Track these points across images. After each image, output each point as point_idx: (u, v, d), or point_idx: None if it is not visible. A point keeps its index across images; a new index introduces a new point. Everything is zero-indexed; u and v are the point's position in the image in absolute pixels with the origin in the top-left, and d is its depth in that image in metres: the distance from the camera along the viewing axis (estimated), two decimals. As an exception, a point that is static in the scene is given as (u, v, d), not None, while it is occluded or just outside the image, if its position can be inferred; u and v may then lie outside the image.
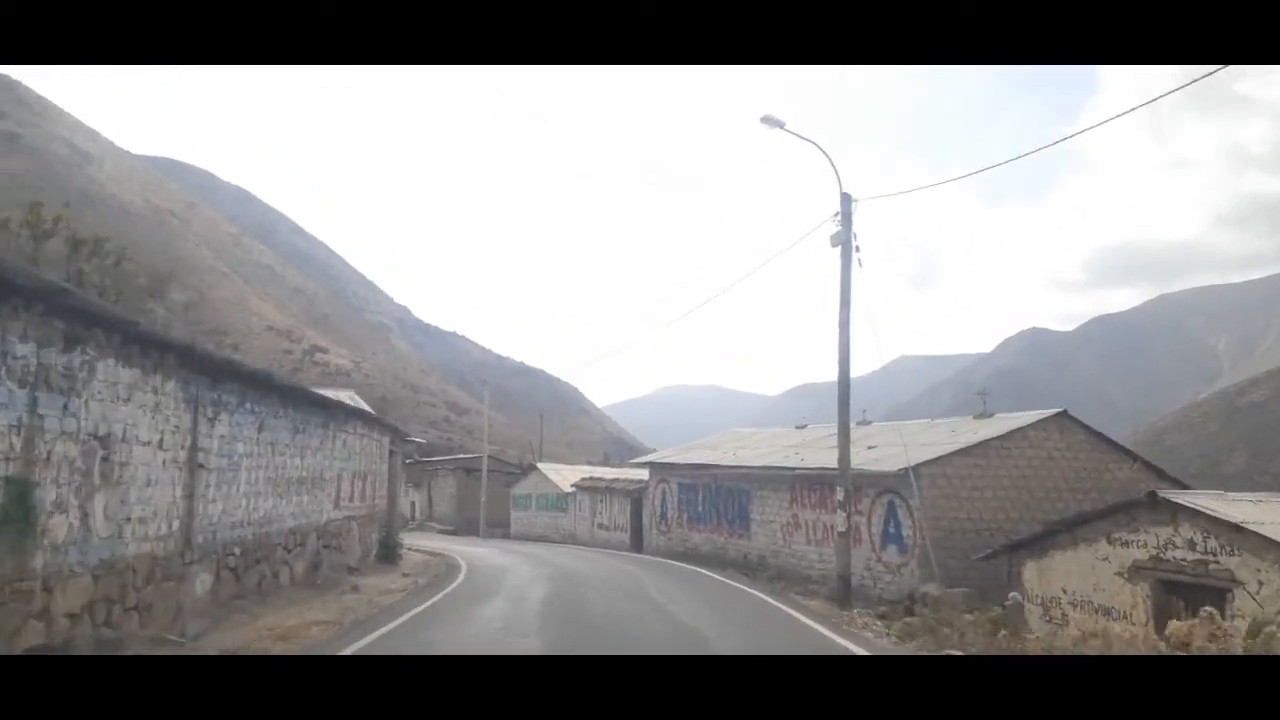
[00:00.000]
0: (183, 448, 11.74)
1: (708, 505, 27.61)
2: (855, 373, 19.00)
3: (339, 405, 18.83)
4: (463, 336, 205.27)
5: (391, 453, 26.12)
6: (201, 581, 12.25)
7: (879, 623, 14.55)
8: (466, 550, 29.85)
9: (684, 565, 24.74)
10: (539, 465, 42.31)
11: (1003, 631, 12.53)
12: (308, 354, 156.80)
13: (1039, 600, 16.92)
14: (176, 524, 11.58)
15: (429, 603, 15.37)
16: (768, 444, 27.83)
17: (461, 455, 56.77)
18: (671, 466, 29.67)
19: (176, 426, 11.53)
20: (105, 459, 9.73)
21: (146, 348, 10.67)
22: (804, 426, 29.01)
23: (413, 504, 55.88)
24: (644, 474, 32.96)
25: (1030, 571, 17.18)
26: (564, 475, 39.50)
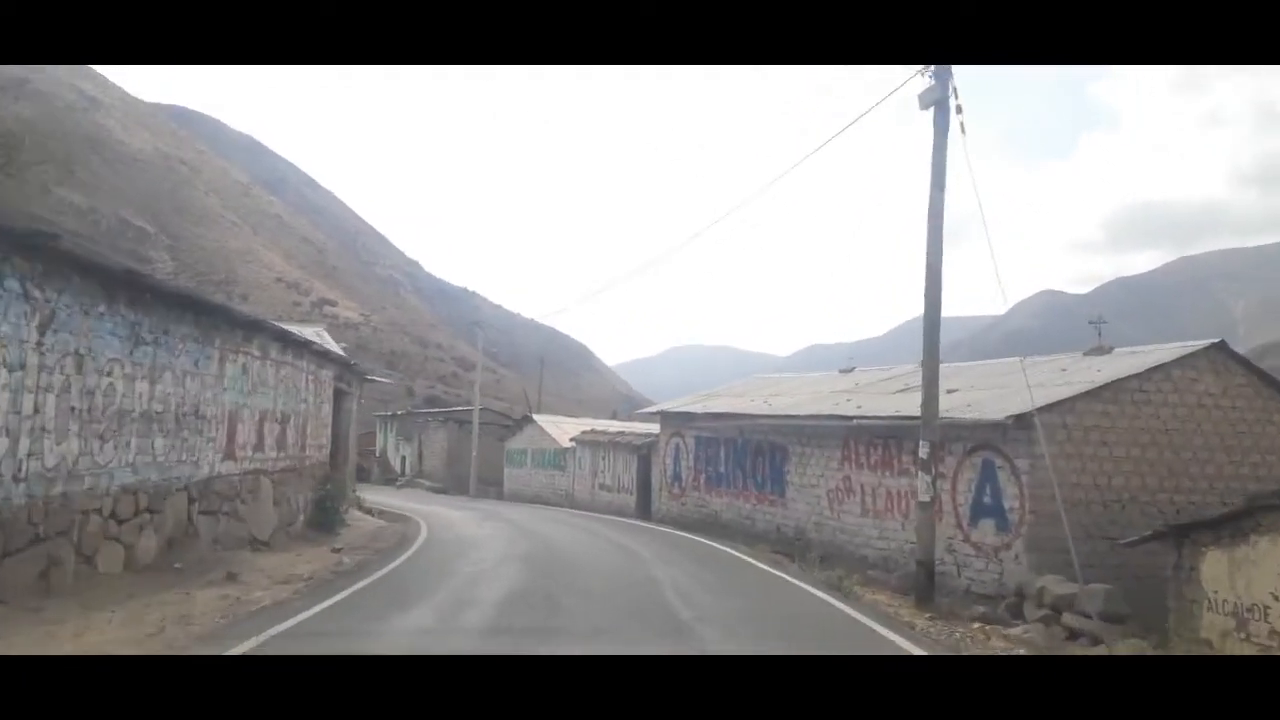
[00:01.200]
0: None
1: (732, 464, 22.04)
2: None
3: (225, 311, 13.17)
4: (473, 293, 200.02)
5: (343, 393, 20.61)
6: None
7: (1021, 649, 8.98)
8: (441, 514, 24.45)
9: (703, 540, 19.22)
10: (535, 417, 36.73)
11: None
12: (316, 306, 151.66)
13: (1228, 608, 11.35)
14: None
15: (324, 605, 9.84)
16: (809, 390, 22.17)
17: (456, 409, 51.28)
18: (688, 417, 24.06)
19: None
20: None
21: None
22: (851, 369, 23.34)
23: (403, 459, 50.64)
24: (655, 427, 27.50)
25: (1214, 565, 11.53)
26: (563, 429, 33.98)
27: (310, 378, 17.04)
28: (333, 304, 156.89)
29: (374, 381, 24.27)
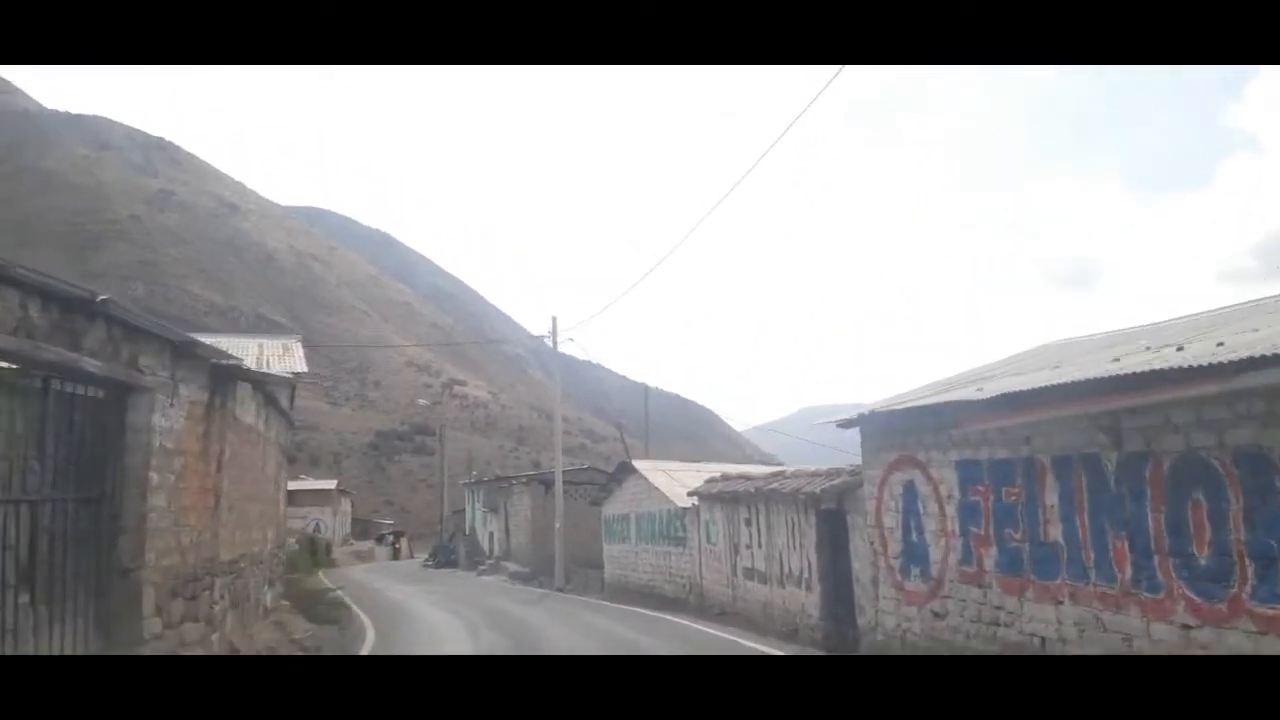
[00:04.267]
0: None
1: (1101, 519, 8.18)
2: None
3: None
4: (597, 365, 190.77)
5: (129, 389, 8.12)
6: None
7: None
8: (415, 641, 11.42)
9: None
10: (636, 464, 23.14)
11: None
12: (446, 387, 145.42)
13: None
14: None
15: None
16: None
17: (547, 472, 38.46)
18: (938, 418, 10.30)
19: None
20: None
21: None
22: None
23: (491, 535, 38.17)
24: (844, 458, 13.98)
25: None
26: (678, 479, 20.53)
27: None
28: (462, 384, 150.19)
29: (259, 376, 11.51)
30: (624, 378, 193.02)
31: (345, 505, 63.09)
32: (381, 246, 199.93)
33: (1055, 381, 8.09)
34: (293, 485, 60.28)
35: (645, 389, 30.97)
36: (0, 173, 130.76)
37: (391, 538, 65.89)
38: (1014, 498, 9.13)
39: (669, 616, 15.90)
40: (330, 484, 58.81)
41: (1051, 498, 8.63)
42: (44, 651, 7.19)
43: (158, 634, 8.36)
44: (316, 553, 45.00)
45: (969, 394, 9.41)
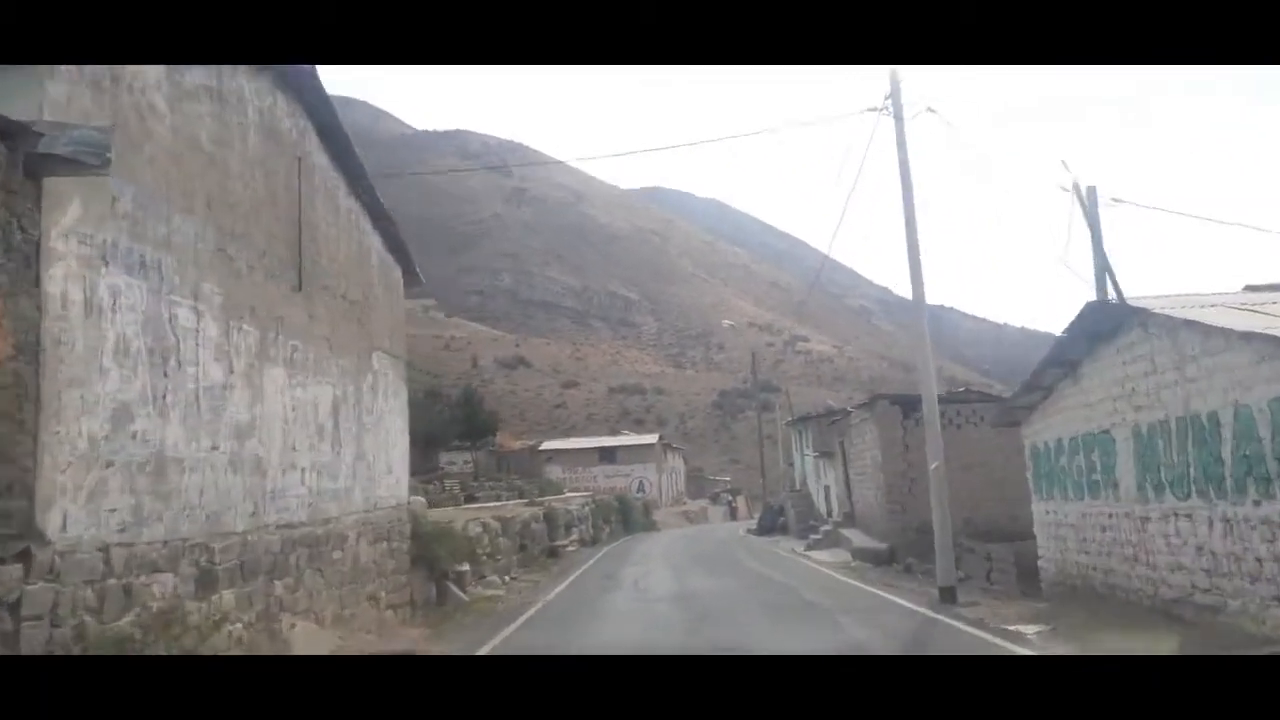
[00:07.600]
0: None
1: None
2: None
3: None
4: (951, 308, 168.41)
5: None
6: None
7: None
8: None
9: None
10: (1145, 303, 9.01)
11: None
12: (788, 344, 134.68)
13: None
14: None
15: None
16: None
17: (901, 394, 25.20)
18: None
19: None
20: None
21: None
22: None
23: (825, 490, 25.87)
24: None
25: None
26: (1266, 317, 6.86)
27: None
28: (805, 340, 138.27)
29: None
30: (982, 320, 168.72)
31: (675, 462, 54.38)
32: (715, 214, 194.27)
33: None
34: (610, 441, 52.95)
35: (1075, 188, 14.93)
36: (391, 188, 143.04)
37: (729, 496, 56.25)
38: None
39: None
40: (651, 438, 50.14)
41: None
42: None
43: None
44: (629, 514, 36.08)
45: None
